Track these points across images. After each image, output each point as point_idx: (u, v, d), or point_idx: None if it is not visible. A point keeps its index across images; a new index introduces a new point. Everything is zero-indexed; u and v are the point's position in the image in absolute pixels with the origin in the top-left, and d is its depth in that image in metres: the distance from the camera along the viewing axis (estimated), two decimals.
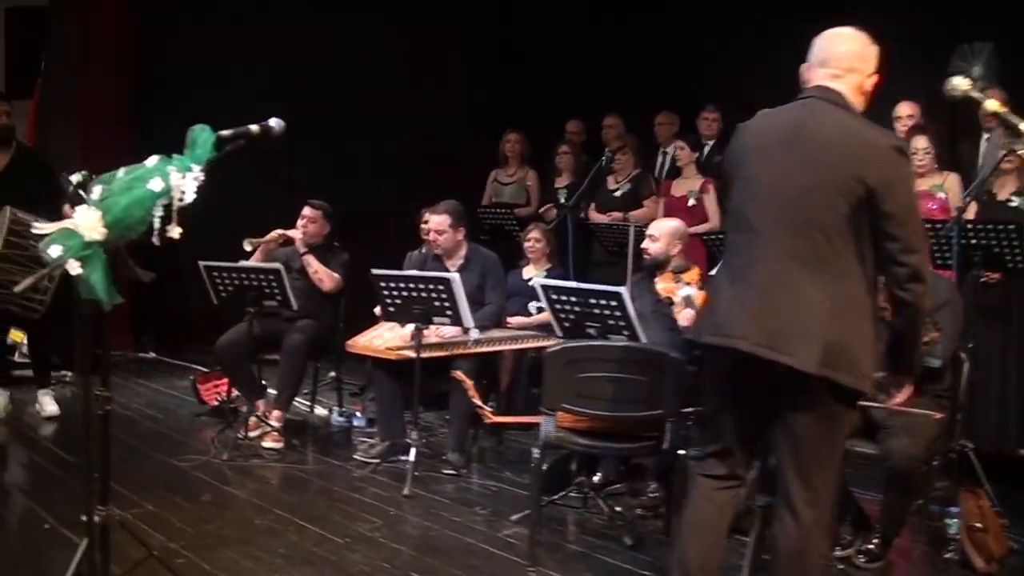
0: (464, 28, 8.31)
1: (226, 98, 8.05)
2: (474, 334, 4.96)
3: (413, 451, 4.69)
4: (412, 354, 4.85)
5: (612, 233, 6.16)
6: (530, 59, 8.21)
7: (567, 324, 4.29)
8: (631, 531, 4.08)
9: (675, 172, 7.16)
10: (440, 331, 4.98)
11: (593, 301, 4.09)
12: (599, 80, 7.99)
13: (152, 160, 2.91)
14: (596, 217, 6.71)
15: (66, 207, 5.53)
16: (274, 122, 3.20)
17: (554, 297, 4.24)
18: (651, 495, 4.49)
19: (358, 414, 5.68)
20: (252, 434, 5.31)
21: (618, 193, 6.78)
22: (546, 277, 6.09)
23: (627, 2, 7.97)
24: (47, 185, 5.63)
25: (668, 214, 6.60)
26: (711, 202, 6.48)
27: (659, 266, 4.79)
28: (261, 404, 5.48)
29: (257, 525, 4.08)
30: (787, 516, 2.79)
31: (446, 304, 4.65)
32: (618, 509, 4.35)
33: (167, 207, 2.86)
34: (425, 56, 8.15)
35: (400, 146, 8.00)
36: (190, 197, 2.90)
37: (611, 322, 4.09)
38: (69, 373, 6.71)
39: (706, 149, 6.90)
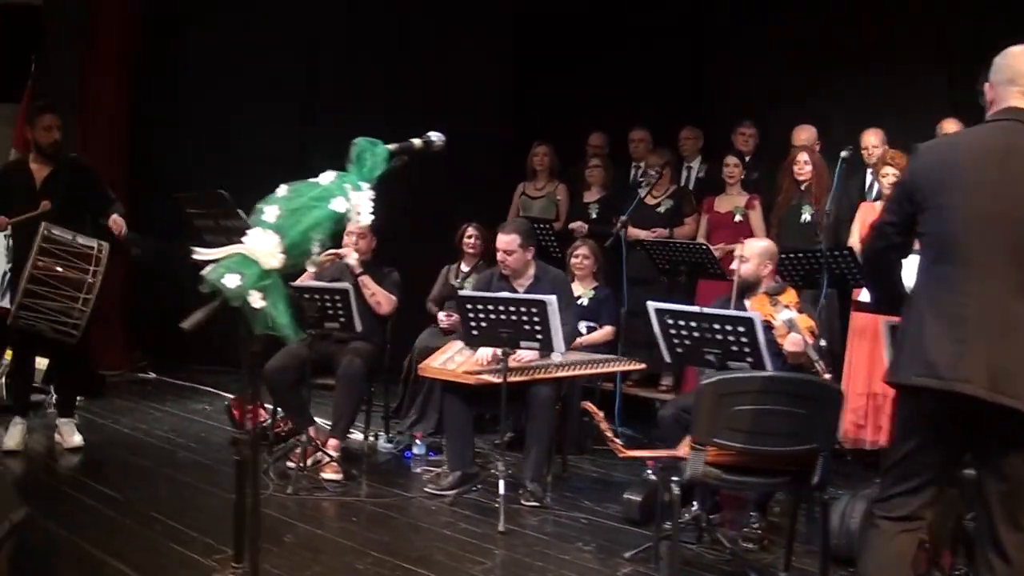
0: (481, 36, 8.04)
1: (232, 101, 7.69)
2: (556, 358, 4.72)
3: (502, 484, 4.43)
4: (493, 379, 4.61)
5: (665, 250, 5.97)
6: (549, 72, 8.00)
7: (679, 350, 4.07)
8: (751, 566, 3.90)
9: (699, 186, 7.06)
10: (518, 355, 4.72)
11: (717, 327, 3.88)
12: (616, 93, 7.81)
13: (327, 176, 2.60)
14: (638, 233, 6.50)
15: (114, 216, 5.16)
16: (435, 136, 2.92)
17: (669, 322, 4.02)
18: (753, 526, 4.31)
19: (418, 441, 5.37)
20: (307, 463, 4.98)
21: (661, 209, 6.61)
22: (594, 296, 5.93)
23: (645, 15, 7.83)
24: (93, 195, 5.25)
25: (713, 230, 6.50)
26: (757, 218, 6.37)
27: (749, 288, 4.62)
28: (311, 431, 5.14)
29: (361, 570, 3.77)
30: (998, 561, 2.68)
31: (537, 328, 4.40)
32: (725, 542, 4.16)
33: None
34: (444, 66, 7.83)
35: (421, 157, 7.68)
36: (367, 218, 2.61)
37: (734, 348, 3.89)
38: (78, 398, 6.23)
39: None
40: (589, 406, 3.79)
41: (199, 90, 7.57)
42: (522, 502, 4.65)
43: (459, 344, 5.04)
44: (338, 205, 2.53)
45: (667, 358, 4.18)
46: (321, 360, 5.15)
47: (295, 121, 7.84)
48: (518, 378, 4.61)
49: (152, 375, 7.49)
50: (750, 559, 4.03)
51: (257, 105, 7.59)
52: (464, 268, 6.29)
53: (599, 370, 4.92)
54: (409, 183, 7.35)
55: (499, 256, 5.03)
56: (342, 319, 4.87)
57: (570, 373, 4.79)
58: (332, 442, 5.05)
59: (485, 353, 4.81)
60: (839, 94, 6.91)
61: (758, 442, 3.41)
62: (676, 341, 4.05)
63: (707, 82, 7.98)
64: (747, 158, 6.79)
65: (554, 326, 4.38)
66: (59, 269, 4.87)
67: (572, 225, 6.82)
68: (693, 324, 3.95)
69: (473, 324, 4.53)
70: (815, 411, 3.39)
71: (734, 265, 4.68)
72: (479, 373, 4.69)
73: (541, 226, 6.65)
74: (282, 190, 2.62)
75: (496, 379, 4.60)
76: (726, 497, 4.61)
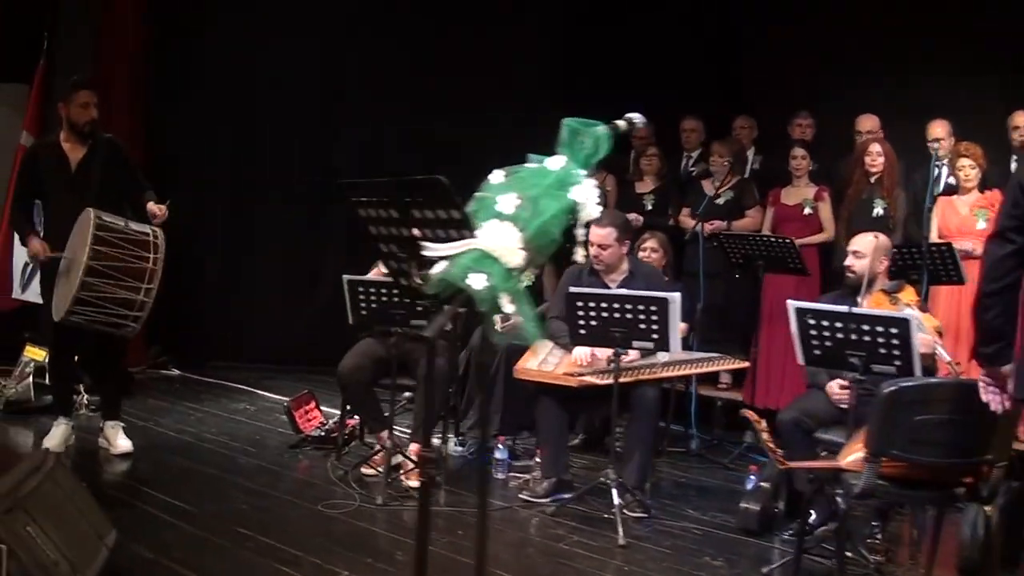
0: (529, 23, 7.72)
1: (248, 84, 7.31)
2: (662, 357, 4.46)
3: (615, 493, 4.16)
4: (596, 380, 4.34)
5: (742, 243, 5.73)
6: (593, 61, 7.71)
7: (817, 352, 3.84)
8: None
9: (753, 178, 6.83)
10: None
11: (866, 328, 3.65)
12: (657, 82, 7.55)
13: (556, 161, 2.29)
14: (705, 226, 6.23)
15: (150, 204, 4.75)
16: (637, 117, 2.63)
17: (810, 322, 3.78)
18: (876, 536, 4.10)
19: (500, 445, 5.06)
20: (381, 470, 4.66)
21: (720, 201, 6.36)
22: None
23: (686, 4, 7.60)
24: (127, 179, 4.84)
25: (779, 223, 6.29)
26: (827, 210, 6.16)
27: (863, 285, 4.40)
28: (384, 436, 4.82)
29: None
30: None
31: (654, 326, 4.14)
32: (848, 553, 3.94)
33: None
34: (480, 55, 7.46)
35: (454, 145, 7.32)
36: (594, 210, 2.32)
37: (882, 351, 3.67)
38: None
39: None
40: (751, 414, 3.52)
41: (214, 72, 7.19)
42: (625, 511, 4.38)
43: (549, 343, 4.75)
44: (578, 194, 2.23)
45: (801, 360, 3.94)
46: (397, 359, 4.82)
47: (314, 117, 7.46)
48: (625, 379, 4.34)
49: (176, 372, 7.07)
50: (887, 572, 3.83)
51: (272, 100, 7.27)
52: None
53: (704, 369, 4.67)
54: (461, 176, 7.10)
55: (593, 251, 4.73)
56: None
57: (678, 372, 4.55)
58: (414, 447, 4.73)
59: (582, 353, 4.53)
60: (889, 85, 6.73)
61: (935, 453, 3.19)
62: (816, 343, 3.82)
63: (749, 72, 7.75)
64: None
65: (673, 325, 4.12)
66: (122, 259, 4.47)
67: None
68: (838, 325, 3.72)
69: (582, 323, 4.25)
70: (988, 420, 3.17)
71: (848, 261, 4.46)
72: (580, 374, 4.42)
73: None
74: (498, 176, 2.32)
75: (600, 380, 4.33)
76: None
